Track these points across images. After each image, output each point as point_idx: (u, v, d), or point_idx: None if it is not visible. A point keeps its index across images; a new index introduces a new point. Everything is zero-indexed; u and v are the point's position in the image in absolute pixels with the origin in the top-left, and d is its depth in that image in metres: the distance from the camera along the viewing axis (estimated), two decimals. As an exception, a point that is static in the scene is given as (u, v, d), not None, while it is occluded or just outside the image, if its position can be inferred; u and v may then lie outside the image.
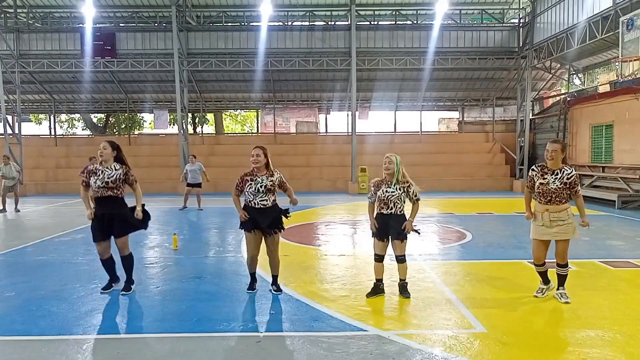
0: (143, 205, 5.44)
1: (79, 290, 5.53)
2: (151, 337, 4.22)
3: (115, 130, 29.66)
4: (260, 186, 5.13)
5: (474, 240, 8.61)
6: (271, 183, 5.18)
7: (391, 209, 5.07)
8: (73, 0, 20.32)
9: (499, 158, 22.13)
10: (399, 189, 5.04)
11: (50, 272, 6.48)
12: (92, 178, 5.22)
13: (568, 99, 19.17)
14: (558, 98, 21.30)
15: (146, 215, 5.46)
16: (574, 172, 4.91)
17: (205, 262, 7.09)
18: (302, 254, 7.58)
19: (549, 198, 4.87)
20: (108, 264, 5.46)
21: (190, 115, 26.66)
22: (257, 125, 26.95)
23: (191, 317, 4.65)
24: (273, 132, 24.02)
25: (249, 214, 5.17)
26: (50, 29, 20.80)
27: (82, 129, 32.27)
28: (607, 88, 17.39)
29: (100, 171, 5.22)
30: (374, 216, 5.25)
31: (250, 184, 5.15)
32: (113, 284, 5.54)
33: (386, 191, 5.08)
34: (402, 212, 5.12)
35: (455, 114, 25.57)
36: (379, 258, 5.22)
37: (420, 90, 22.80)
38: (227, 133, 32.64)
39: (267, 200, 5.17)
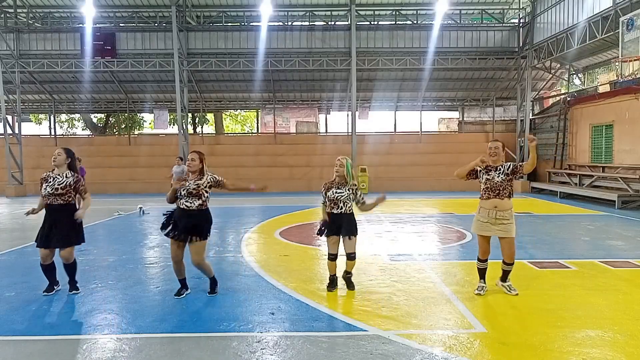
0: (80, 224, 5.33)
1: (79, 290, 5.52)
2: (151, 337, 4.21)
3: (115, 130, 29.67)
4: (184, 190, 5.07)
5: (474, 240, 8.59)
6: (195, 186, 5.06)
7: (341, 208, 5.37)
8: (73, 0, 20.32)
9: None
10: (348, 190, 5.37)
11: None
12: (43, 184, 5.18)
13: (568, 99, 19.18)
14: (558, 98, 21.30)
15: (81, 231, 5.35)
16: (511, 163, 5.24)
17: (205, 262, 7.07)
18: (302, 254, 7.58)
19: (497, 192, 5.14)
20: (49, 270, 5.38)
21: (190, 115, 26.66)
22: (257, 125, 26.96)
23: (191, 317, 4.65)
24: (273, 132, 24.02)
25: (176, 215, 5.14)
26: (50, 29, 20.81)
27: (82, 129, 32.26)
28: (607, 88, 17.40)
29: (52, 178, 5.18)
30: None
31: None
32: (55, 287, 5.49)
33: (336, 192, 5.37)
34: (351, 211, 5.43)
35: (455, 114, 25.57)
36: (333, 257, 5.45)
37: (420, 90, 22.81)
38: (227, 133, 32.64)
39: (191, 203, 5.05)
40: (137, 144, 24.03)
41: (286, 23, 20.93)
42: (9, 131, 19.48)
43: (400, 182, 20.21)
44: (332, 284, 5.52)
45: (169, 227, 5.15)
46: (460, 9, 21.08)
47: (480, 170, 5.29)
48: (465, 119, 24.52)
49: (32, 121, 30.96)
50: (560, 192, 16.97)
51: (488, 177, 5.20)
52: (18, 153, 19.74)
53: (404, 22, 20.85)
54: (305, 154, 22.36)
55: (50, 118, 26.36)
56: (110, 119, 29.99)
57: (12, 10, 19.99)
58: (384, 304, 5.02)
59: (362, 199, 5.45)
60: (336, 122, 47.79)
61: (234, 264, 6.91)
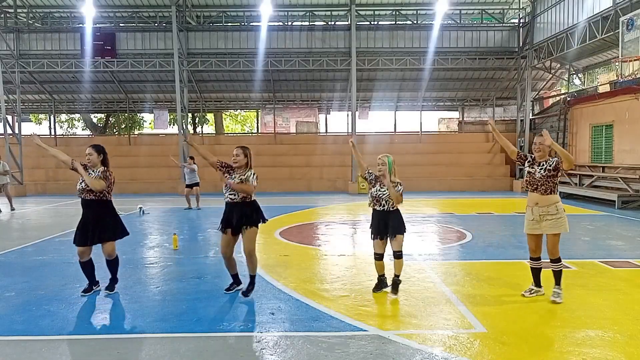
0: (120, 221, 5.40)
1: (79, 290, 5.52)
2: (151, 337, 4.21)
3: (115, 130, 29.67)
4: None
5: (474, 240, 8.61)
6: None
7: (383, 206, 5.22)
8: (73, 0, 20.32)
9: (499, 158, 22.13)
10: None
11: (50, 272, 6.49)
12: (82, 171, 5.16)
13: (568, 99, 19.18)
14: (558, 98, 21.29)
15: (120, 226, 5.40)
16: (557, 159, 5.05)
17: (205, 262, 7.08)
18: (302, 254, 7.58)
19: (535, 186, 5.05)
20: (87, 267, 5.39)
21: (190, 115, 26.65)
22: (257, 125, 26.96)
23: (191, 317, 4.65)
24: (273, 132, 24.02)
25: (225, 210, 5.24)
26: (50, 29, 20.80)
27: (82, 129, 32.27)
28: (607, 88, 17.39)
29: (88, 172, 5.22)
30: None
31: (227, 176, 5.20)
32: (93, 287, 5.49)
33: (379, 190, 5.23)
34: (394, 208, 5.25)
35: (455, 114, 25.58)
36: (379, 257, 5.32)
37: (420, 90, 22.80)
38: (227, 133, 32.63)
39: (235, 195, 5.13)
40: (137, 144, 24.03)
41: (286, 23, 20.93)
42: (9, 131, 19.48)
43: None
44: (379, 285, 5.37)
45: (222, 222, 5.24)
46: (460, 9, 21.08)
47: (527, 160, 5.19)
48: (465, 119, 24.51)
49: (32, 121, 30.97)
50: (560, 192, 16.96)
51: (530, 170, 5.10)
52: (18, 153, 19.74)
53: (404, 22, 20.85)
54: (305, 154, 22.36)
55: (50, 118, 26.37)
56: (110, 119, 29.99)
57: (12, 10, 19.99)
58: (384, 304, 5.02)
59: (399, 191, 5.19)
60: (336, 122, 47.97)
61: (234, 264, 6.90)
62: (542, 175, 4.99)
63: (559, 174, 5.01)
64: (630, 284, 5.75)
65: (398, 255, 5.22)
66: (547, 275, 5.25)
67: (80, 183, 5.18)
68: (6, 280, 6.05)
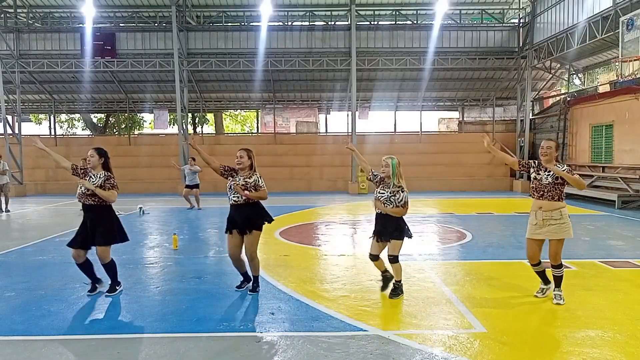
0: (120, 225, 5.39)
1: (79, 290, 5.53)
2: (151, 337, 4.22)
3: (115, 130, 29.66)
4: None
5: (474, 240, 8.61)
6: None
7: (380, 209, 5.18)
8: (73, 0, 20.32)
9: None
10: (390, 192, 5.06)
11: (50, 272, 6.49)
12: (81, 175, 5.21)
13: (568, 99, 19.17)
14: (558, 98, 21.29)
15: (118, 230, 5.37)
16: (566, 166, 4.95)
17: (205, 262, 7.08)
18: (302, 254, 7.58)
19: (541, 193, 4.92)
20: (84, 267, 5.37)
21: (190, 115, 26.65)
22: (257, 125, 26.95)
23: (191, 317, 4.65)
24: (273, 132, 24.02)
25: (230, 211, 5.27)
26: (50, 29, 20.80)
27: (82, 129, 32.27)
28: (607, 88, 17.39)
29: (88, 176, 5.21)
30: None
31: (231, 180, 5.23)
32: (97, 285, 5.47)
33: (379, 192, 5.17)
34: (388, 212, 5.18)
35: (455, 114, 25.56)
36: (373, 257, 5.30)
37: (420, 90, 22.80)
38: (227, 133, 32.63)
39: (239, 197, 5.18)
40: (137, 144, 24.02)
41: (286, 23, 20.93)
42: (9, 131, 19.48)
43: (400, 182, 20.17)
44: (385, 281, 5.33)
45: (227, 223, 5.29)
46: (460, 9, 21.07)
47: (532, 167, 5.05)
48: (465, 119, 24.51)
49: (32, 121, 30.95)
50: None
51: (537, 176, 4.94)
52: (18, 153, 19.74)
53: (404, 22, 20.84)
54: (305, 154, 22.35)
55: (50, 118, 26.36)
56: (110, 119, 29.98)
57: (12, 10, 19.97)
58: (384, 304, 5.02)
59: (401, 201, 5.03)
60: (336, 122, 47.88)
61: (234, 264, 6.90)
62: (549, 182, 4.85)
63: (566, 182, 4.87)
64: (630, 284, 5.75)
65: (391, 259, 5.14)
66: (547, 275, 5.24)
67: (80, 188, 5.16)
68: (6, 280, 6.05)
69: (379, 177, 5.25)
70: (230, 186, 5.17)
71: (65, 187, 19.95)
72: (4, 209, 13.44)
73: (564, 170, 4.78)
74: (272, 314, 4.75)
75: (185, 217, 12.32)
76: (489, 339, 4.06)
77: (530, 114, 21.06)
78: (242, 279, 5.58)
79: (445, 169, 21.23)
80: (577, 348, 3.87)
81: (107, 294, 5.37)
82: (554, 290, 5.08)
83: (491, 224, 10.81)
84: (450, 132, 25.48)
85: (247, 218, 5.20)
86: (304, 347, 3.93)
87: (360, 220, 11.33)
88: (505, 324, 4.40)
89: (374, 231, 5.28)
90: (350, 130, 20.78)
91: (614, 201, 13.49)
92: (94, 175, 5.22)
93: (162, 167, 21.39)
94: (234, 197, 5.19)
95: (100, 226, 5.19)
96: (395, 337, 4.10)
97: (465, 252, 7.65)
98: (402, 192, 5.05)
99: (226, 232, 5.34)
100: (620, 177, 14.78)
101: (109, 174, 5.28)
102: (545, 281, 5.20)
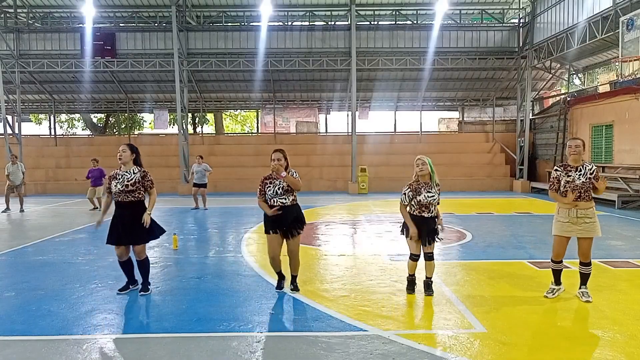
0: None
1: (79, 290, 5.53)
2: (151, 337, 4.22)
3: (115, 130, 29.66)
4: (279, 188, 5.21)
5: (474, 240, 8.61)
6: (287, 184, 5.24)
7: (431, 212, 5.16)
8: (73, 0, 20.32)
9: (499, 158, 22.13)
10: (437, 192, 5.14)
11: (50, 272, 6.48)
12: (112, 182, 5.24)
13: (568, 99, 19.18)
14: (558, 98, 21.29)
15: (155, 226, 5.41)
16: (594, 166, 5.01)
17: (205, 262, 7.09)
18: (302, 254, 7.51)
19: (578, 193, 4.92)
20: (127, 266, 5.42)
21: (190, 115, 26.65)
22: (257, 125, 26.94)
23: (191, 317, 4.65)
24: (273, 132, 24.02)
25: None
26: (50, 29, 20.80)
27: (82, 129, 32.28)
28: (607, 88, 17.40)
29: (120, 175, 5.23)
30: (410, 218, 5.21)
31: (269, 187, 5.24)
32: (130, 286, 5.50)
33: (427, 196, 5.09)
34: (435, 213, 5.22)
35: (455, 114, 25.57)
36: (416, 257, 5.23)
37: (420, 90, 22.80)
38: (227, 133, 32.63)
39: (286, 199, 5.24)
40: (137, 144, 23.54)
41: (286, 23, 20.92)
42: (9, 131, 19.48)
43: (400, 182, 19.78)
44: (411, 285, 5.33)
45: (270, 225, 5.28)
46: (460, 9, 21.07)
47: (561, 175, 4.99)
48: (465, 119, 24.51)
49: (32, 121, 30.97)
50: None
51: (568, 179, 4.92)
52: (18, 153, 19.71)
53: (404, 22, 20.84)
54: (305, 154, 22.35)
55: (50, 118, 26.36)
56: (110, 119, 29.99)
57: (12, 10, 19.98)
58: (384, 304, 5.02)
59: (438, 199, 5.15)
60: (336, 122, 47.99)
61: (234, 264, 6.91)
62: (584, 182, 4.88)
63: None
64: (630, 284, 5.75)
65: (432, 256, 5.22)
66: (541, 274, 5.24)
67: (116, 185, 5.17)
68: (6, 280, 6.05)
69: (413, 185, 5.17)
70: (276, 191, 5.19)
71: (66, 187, 19.96)
72: (19, 209, 13.68)
73: (592, 170, 4.89)
74: (272, 314, 4.75)
75: (186, 217, 12.32)
76: (489, 339, 4.06)
77: (530, 114, 21.05)
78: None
79: (445, 169, 21.17)
80: (577, 348, 3.87)
81: (141, 293, 5.37)
82: (581, 288, 5.10)
83: (491, 224, 10.81)
84: (450, 132, 25.47)
85: (296, 218, 5.30)
86: (303, 347, 3.93)
87: (360, 220, 11.33)
88: (505, 324, 4.40)
89: (417, 234, 5.10)
90: (350, 130, 20.79)
91: (614, 201, 13.49)
92: (127, 171, 5.25)
93: (162, 167, 21.41)
94: (280, 199, 5.21)
95: (139, 223, 5.20)
96: (395, 337, 4.10)
97: (465, 252, 7.65)
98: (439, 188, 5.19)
99: (268, 233, 5.32)
100: (620, 177, 14.78)
101: (144, 170, 5.38)
102: (558, 282, 5.21)
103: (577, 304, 4.95)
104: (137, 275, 5.51)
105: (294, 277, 5.55)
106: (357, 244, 8.67)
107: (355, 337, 4.14)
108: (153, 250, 8.00)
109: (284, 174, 5.13)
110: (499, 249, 7.87)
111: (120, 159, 5.26)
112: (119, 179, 5.20)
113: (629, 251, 7.60)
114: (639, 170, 14.26)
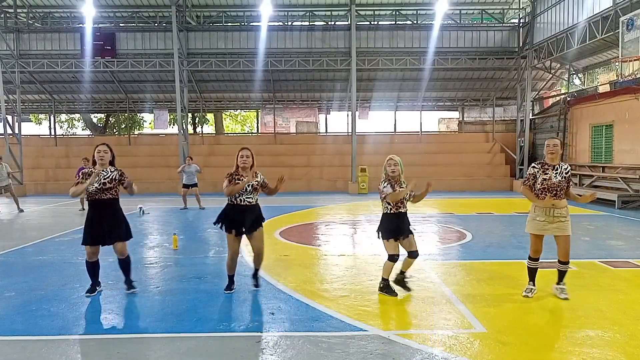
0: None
1: (79, 290, 5.53)
2: (151, 337, 4.21)
3: (115, 130, 29.67)
4: (249, 185, 5.23)
5: (474, 240, 8.61)
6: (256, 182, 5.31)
7: (405, 207, 5.29)
8: (73, 0, 20.32)
9: (499, 158, 22.13)
10: (406, 185, 5.30)
11: (50, 272, 6.48)
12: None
13: (568, 99, 19.17)
14: (558, 98, 21.29)
15: (129, 225, 5.42)
16: (569, 166, 5.14)
17: (205, 262, 7.08)
18: (302, 254, 7.58)
19: (554, 192, 4.98)
20: (95, 267, 5.37)
21: (190, 115, 26.66)
22: (257, 125, 26.96)
23: (191, 317, 4.65)
24: (273, 132, 24.02)
25: (230, 213, 5.28)
26: (50, 29, 20.81)
27: (82, 129, 32.29)
28: (607, 88, 17.39)
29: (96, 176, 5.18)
30: (390, 217, 5.24)
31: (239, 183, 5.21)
32: (97, 288, 5.46)
33: (401, 188, 5.20)
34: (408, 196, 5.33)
35: (455, 114, 25.57)
36: (397, 257, 5.23)
37: (420, 90, 22.80)
38: (227, 133, 32.64)
39: (252, 198, 5.27)
40: (137, 144, 24.03)
41: (286, 23, 20.93)
42: (9, 131, 19.48)
43: (400, 182, 20.18)
44: (389, 288, 5.25)
45: (228, 224, 5.26)
46: (460, 9, 21.08)
47: (537, 172, 5.05)
48: (465, 119, 24.51)
49: (32, 121, 30.98)
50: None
51: (545, 177, 5.00)
52: (18, 153, 19.74)
53: (404, 22, 20.85)
54: (305, 154, 22.36)
55: (50, 118, 26.37)
56: (110, 119, 30.00)
57: (12, 10, 19.98)
58: (383, 304, 5.02)
59: (412, 192, 5.27)
60: (336, 122, 47.98)
61: (234, 264, 6.90)
62: (559, 180, 4.96)
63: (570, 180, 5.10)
64: (630, 284, 5.75)
65: (416, 254, 5.32)
66: (541, 274, 5.25)
67: (93, 185, 5.11)
68: (6, 280, 6.05)
69: (391, 180, 5.24)
70: (246, 188, 5.18)
71: (65, 187, 19.81)
72: (17, 209, 13.55)
73: (567, 170, 5.02)
74: (272, 314, 4.75)
75: (185, 217, 12.32)
76: (489, 339, 4.06)
77: (530, 114, 21.05)
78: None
79: (445, 169, 21.22)
80: (577, 348, 3.87)
81: (129, 291, 5.39)
82: (558, 284, 5.17)
83: (491, 224, 10.81)
84: (450, 132, 25.48)
85: (257, 217, 5.32)
86: (304, 347, 3.93)
87: (360, 220, 11.33)
88: (505, 324, 4.40)
89: (390, 232, 5.18)
90: (350, 130, 20.79)
91: (614, 201, 13.48)
92: (104, 170, 5.21)
93: (162, 167, 21.43)
94: (248, 198, 5.22)
95: (119, 221, 5.23)
96: (395, 337, 4.10)
97: (465, 252, 7.65)
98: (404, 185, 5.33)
99: (228, 232, 5.30)
100: (620, 177, 14.78)
101: (118, 169, 5.33)
102: (533, 281, 5.28)
103: (577, 304, 4.95)
104: (100, 277, 5.51)
105: (256, 271, 5.56)
106: (357, 244, 8.67)
107: (355, 337, 4.13)
108: (153, 250, 8.01)
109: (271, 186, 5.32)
110: (499, 249, 7.87)
111: (101, 159, 5.22)
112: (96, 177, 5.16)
113: (629, 251, 7.60)
114: (639, 170, 14.26)
